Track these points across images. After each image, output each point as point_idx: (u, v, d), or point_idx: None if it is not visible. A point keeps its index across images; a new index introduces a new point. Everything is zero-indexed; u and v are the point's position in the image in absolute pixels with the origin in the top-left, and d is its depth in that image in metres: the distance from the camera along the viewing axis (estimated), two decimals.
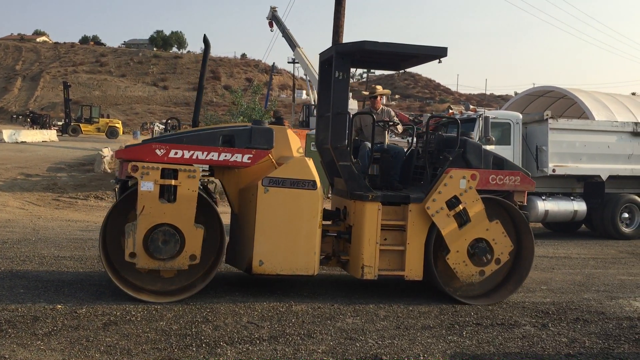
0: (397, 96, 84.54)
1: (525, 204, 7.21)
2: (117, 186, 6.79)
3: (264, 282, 7.22)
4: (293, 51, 34.66)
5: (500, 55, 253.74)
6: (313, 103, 31.02)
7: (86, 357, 4.61)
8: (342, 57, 6.83)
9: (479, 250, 6.77)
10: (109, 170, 18.55)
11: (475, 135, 12.08)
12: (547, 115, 12.74)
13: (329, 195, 9.65)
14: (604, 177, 13.00)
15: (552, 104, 17.06)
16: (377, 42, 6.74)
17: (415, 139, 7.98)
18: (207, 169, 6.90)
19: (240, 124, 9.32)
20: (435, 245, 6.81)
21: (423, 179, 7.13)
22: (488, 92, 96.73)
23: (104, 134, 40.89)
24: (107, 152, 19.83)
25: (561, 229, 14.43)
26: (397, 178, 7.53)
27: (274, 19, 36.29)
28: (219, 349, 4.92)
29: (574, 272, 9.16)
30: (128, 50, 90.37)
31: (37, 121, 44.44)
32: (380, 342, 5.32)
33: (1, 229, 10.65)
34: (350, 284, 7.43)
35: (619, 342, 5.65)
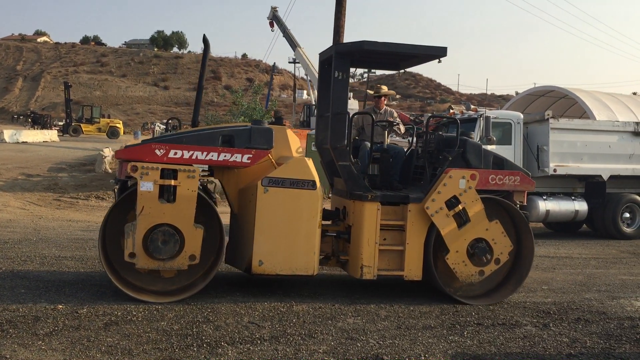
0: (398, 96, 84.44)
1: (525, 203, 7.20)
2: (117, 186, 6.78)
3: (265, 282, 7.22)
4: (294, 51, 34.67)
5: (501, 55, 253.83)
6: (314, 103, 30.99)
7: (87, 357, 4.61)
8: (341, 57, 6.82)
9: (478, 250, 6.76)
10: (109, 171, 18.56)
11: (476, 135, 12.07)
12: (548, 115, 12.73)
13: (329, 195, 9.64)
14: (605, 177, 12.99)
15: (553, 103, 17.03)
16: (377, 42, 6.73)
17: (415, 139, 7.97)
18: (207, 169, 6.90)
19: (240, 124, 9.31)
20: (436, 245, 6.81)
21: (423, 179, 7.13)
22: (489, 92, 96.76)
23: (105, 134, 40.95)
24: (108, 152, 19.84)
25: (562, 228, 14.42)
26: (397, 178, 7.52)
27: (274, 19, 36.30)
28: (220, 349, 4.92)
29: (575, 272, 9.16)
30: (129, 51, 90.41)
31: (38, 121, 44.52)
32: (381, 342, 5.32)
33: (2, 229, 10.66)
34: (351, 284, 7.43)
35: (621, 342, 5.65)
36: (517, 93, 38.15)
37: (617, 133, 13.17)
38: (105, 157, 19.31)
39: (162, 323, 5.50)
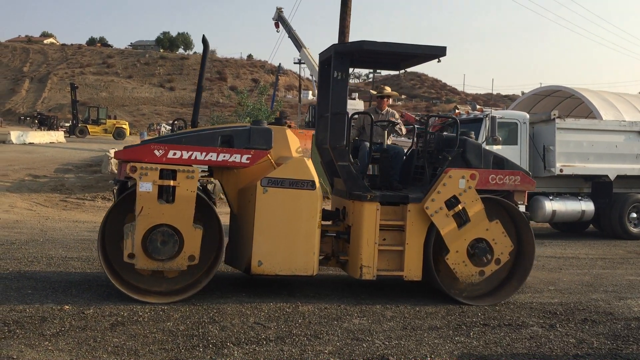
0: (403, 96, 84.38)
1: (526, 203, 7.16)
2: (116, 187, 6.78)
3: (271, 282, 7.23)
4: (299, 52, 34.73)
5: (507, 55, 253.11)
6: None
7: (94, 358, 4.62)
8: (340, 57, 6.80)
9: (479, 250, 6.73)
10: (116, 171, 18.60)
11: (482, 135, 12.06)
12: (555, 114, 12.69)
13: (327, 196, 9.64)
14: (612, 177, 12.93)
15: (559, 103, 16.98)
16: (376, 41, 6.72)
17: (415, 139, 7.95)
18: (206, 169, 6.89)
19: (240, 124, 9.32)
20: (437, 246, 6.79)
21: (423, 179, 7.11)
22: (495, 92, 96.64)
23: (111, 135, 41.09)
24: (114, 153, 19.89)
25: (569, 229, 14.37)
26: (397, 178, 7.51)
27: (280, 19, 36.38)
28: (225, 350, 4.93)
29: (581, 273, 9.12)
30: (135, 52, 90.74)
31: (45, 122, 44.74)
32: (387, 343, 5.31)
33: (9, 230, 10.71)
34: (356, 284, 7.42)
35: (628, 342, 5.62)
36: (523, 93, 38.04)
37: (623, 133, 13.11)
38: (111, 158, 19.33)
39: (168, 323, 5.51)
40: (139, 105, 71.93)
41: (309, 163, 6.54)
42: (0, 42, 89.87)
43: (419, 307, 6.55)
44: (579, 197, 13.07)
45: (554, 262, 9.89)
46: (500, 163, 7.10)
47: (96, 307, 5.89)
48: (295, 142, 6.98)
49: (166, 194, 6.09)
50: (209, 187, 7.38)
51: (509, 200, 7.01)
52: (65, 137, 35.96)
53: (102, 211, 14.37)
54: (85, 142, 33.22)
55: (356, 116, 8.09)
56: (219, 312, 5.97)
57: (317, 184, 6.51)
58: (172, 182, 6.08)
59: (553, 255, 10.65)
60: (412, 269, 6.71)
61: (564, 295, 7.46)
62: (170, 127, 35.75)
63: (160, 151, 6.17)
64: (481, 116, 12.62)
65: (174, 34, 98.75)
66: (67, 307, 5.85)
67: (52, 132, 35.65)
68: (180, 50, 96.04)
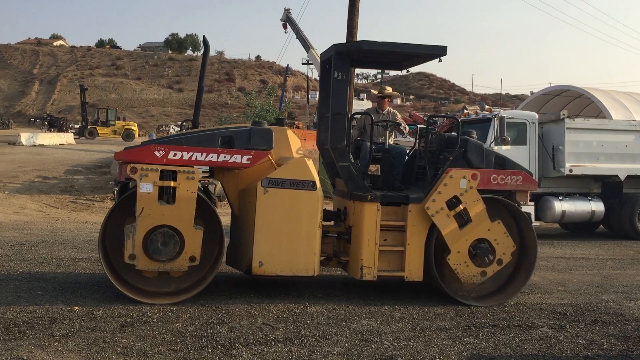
0: (411, 96, 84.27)
1: (528, 203, 7.12)
2: (117, 188, 6.78)
3: (279, 283, 7.23)
4: (307, 52, 34.77)
5: (515, 54, 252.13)
6: None
7: (103, 358, 4.64)
8: (341, 57, 6.78)
9: (480, 250, 6.70)
10: None
11: (491, 135, 12.02)
12: (564, 114, 12.62)
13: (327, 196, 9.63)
14: (622, 177, 12.85)
15: (569, 103, 16.89)
16: (376, 41, 6.70)
17: (418, 139, 7.92)
18: (207, 170, 6.90)
19: (240, 124, 9.33)
20: (439, 248, 6.76)
21: (425, 179, 7.08)
22: (503, 92, 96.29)
23: (120, 136, 41.30)
24: None
25: (579, 229, 14.29)
26: (399, 178, 7.48)
27: (288, 20, 36.44)
28: (234, 351, 4.93)
29: (591, 273, 9.06)
30: (143, 53, 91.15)
31: (55, 124, 45.02)
32: (395, 344, 5.30)
33: (19, 231, 10.78)
34: (364, 285, 7.40)
35: (638, 344, 5.57)
36: (532, 93, 37.83)
37: (634, 132, 13.02)
38: None
39: (177, 324, 5.52)
40: (148, 106, 72.24)
41: (310, 163, 6.53)
42: (10, 44, 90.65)
43: (427, 307, 6.53)
44: (589, 198, 12.98)
45: (563, 263, 9.84)
46: (502, 163, 7.06)
47: (105, 308, 5.92)
48: (296, 143, 6.97)
49: (167, 195, 6.09)
50: (211, 188, 7.38)
51: (510, 200, 6.97)
52: (74, 138, 36.18)
53: None
54: (94, 144, 33.39)
55: (357, 116, 8.08)
56: (227, 313, 5.97)
57: (318, 184, 6.51)
58: (172, 183, 6.08)
59: (563, 255, 10.60)
60: (413, 270, 6.69)
61: (574, 296, 7.42)
62: (178, 128, 35.93)
63: (161, 152, 6.17)
64: (490, 116, 12.57)
65: (182, 35, 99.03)
66: (76, 308, 5.87)
67: (61, 134, 35.87)
68: (189, 52, 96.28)
